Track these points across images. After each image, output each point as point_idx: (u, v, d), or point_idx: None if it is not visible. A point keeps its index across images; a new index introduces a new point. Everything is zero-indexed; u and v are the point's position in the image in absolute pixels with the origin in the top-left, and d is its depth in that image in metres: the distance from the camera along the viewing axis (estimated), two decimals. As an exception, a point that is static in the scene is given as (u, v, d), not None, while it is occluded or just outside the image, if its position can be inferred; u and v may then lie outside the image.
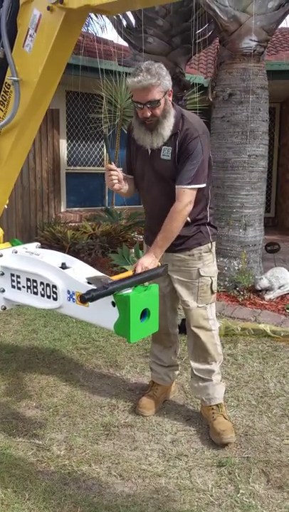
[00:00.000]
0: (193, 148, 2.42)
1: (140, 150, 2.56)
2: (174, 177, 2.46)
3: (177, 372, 3.07)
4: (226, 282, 5.19)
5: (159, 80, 2.32)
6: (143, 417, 2.86)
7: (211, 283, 2.68)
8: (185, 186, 2.42)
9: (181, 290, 2.67)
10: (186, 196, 2.42)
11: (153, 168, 2.53)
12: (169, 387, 3.04)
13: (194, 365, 2.78)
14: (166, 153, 2.47)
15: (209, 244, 2.68)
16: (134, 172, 2.67)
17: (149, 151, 2.52)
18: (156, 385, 3.00)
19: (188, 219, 2.52)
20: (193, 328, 2.69)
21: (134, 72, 2.33)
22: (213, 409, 2.75)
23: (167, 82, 2.38)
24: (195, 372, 2.78)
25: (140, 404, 2.91)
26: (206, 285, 2.67)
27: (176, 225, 2.43)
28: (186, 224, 2.52)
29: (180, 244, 2.59)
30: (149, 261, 2.33)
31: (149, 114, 2.38)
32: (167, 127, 2.43)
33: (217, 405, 2.76)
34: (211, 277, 2.68)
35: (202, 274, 2.65)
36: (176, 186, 2.44)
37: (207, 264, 2.67)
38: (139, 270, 2.25)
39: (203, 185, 2.50)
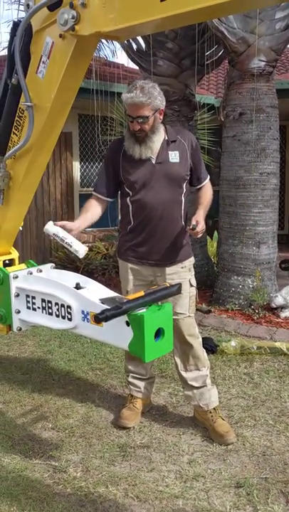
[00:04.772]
0: (199, 147, 2.84)
1: (139, 160, 2.68)
2: (184, 176, 2.73)
3: (154, 385, 3.18)
4: (241, 300, 5.16)
5: (149, 99, 2.53)
6: (159, 437, 2.84)
7: (196, 293, 2.92)
8: (208, 179, 2.88)
9: (175, 303, 2.71)
10: (210, 186, 2.89)
11: (165, 172, 2.68)
12: (146, 400, 3.10)
13: (187, 375, 2.86)
14: (175, 157, 2.70)
15: (193, 257, 2.89)
16: (130, 183, 2.72)
17: (154, 159, 2.67)
18: (135, 398, 3.04)
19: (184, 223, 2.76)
20: (187, 338, 2.79)
21: (129, 88, 2.54)
22: (211, 412, 2.85)
23: (158, 101, 2.58)
24: (189, 382, 2.85)
25: (122, 416, 2.96)
26: (194, 295, 2.85)
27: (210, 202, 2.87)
28: (180, 228, 2.74)
29: (175, 256, 2.75)
30: (202, 220, 2.60)
31: (138, 128, 2.59)
32: (156, 141, 2.65)
33: (214, 408, 2.86)
34: (196, 288, 2.89)
35: (192, 284, 2.83)
36: (203, 183, 2.86)
37: (193, 275, 2.85)
38: (193, 222, 2.53)
39: None
